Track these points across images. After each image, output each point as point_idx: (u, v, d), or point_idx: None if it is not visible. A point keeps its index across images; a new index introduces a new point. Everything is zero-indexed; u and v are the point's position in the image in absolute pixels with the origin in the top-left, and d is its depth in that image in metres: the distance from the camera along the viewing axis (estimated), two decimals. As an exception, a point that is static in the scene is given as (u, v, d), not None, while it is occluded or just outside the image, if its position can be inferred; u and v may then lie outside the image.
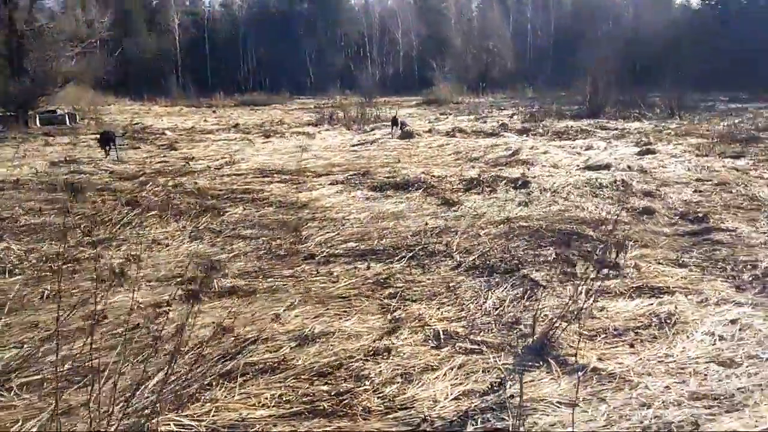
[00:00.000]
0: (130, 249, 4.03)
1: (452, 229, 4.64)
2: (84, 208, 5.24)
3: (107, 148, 9.34)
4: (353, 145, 10.95)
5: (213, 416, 2.03)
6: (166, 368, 2.10)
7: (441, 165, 8.07)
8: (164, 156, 9.47)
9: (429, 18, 50.44)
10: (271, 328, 2.76)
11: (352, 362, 2.42)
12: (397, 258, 3.86)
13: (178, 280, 3.36)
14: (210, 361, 2.41)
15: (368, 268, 3.68)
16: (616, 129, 12.57)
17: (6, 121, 13.80)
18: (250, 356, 2.46)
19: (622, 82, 19.25)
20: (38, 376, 2.31)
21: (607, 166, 7.42)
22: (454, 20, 48.59)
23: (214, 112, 24.80)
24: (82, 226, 4.57)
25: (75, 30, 14.40)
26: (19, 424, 1.98)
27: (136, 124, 16.91)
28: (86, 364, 2.26)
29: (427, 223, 4.89)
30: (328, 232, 4.60)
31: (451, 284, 3.32)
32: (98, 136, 10.11)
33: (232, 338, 2.63)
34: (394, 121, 13.65)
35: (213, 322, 2.79)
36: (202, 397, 2.13)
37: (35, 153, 9.97)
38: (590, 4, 49.69)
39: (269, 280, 3.46)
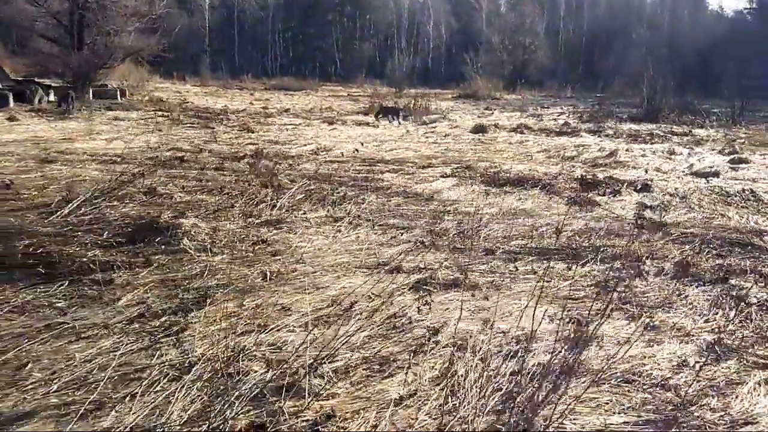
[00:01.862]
0: (306, 232, 3.94)
1: (600, 230, 4.52)
2: (221, 185, 5.15)
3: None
4: (424, 136, 10.81)
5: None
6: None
7: (537, 162, 7.93)
8: (247, 138, 9.37)
9: (459, 11, 49.98)
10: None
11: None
12: (588, 260, 3.71)
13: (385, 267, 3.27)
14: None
15: (569, 268, 3.50)
16: (686, 135, 12.36)
17: (64, 92, 13.72)
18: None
19: (677, 87, 19.03)
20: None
21: (716, 174, 7.26)
22: (485, 15, 48.13)
23: (251, 94, 24.67)
24: (235, 206, 4.48)
25: (136, 5, 14.23)
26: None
27: (186, 103, 16.85)
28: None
29: (563, 223, 4.76)
30: (477, 227, 4.48)
31: (676, 293, 3.18)
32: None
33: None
34: (390, 110, 13.33)
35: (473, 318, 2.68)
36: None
37: (115, 128, 9.88)
38: (625, 5, 49.09)
39: (475, 275, 3.33)
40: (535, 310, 2.12)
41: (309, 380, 2.02)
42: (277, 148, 8.32)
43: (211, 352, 2.25)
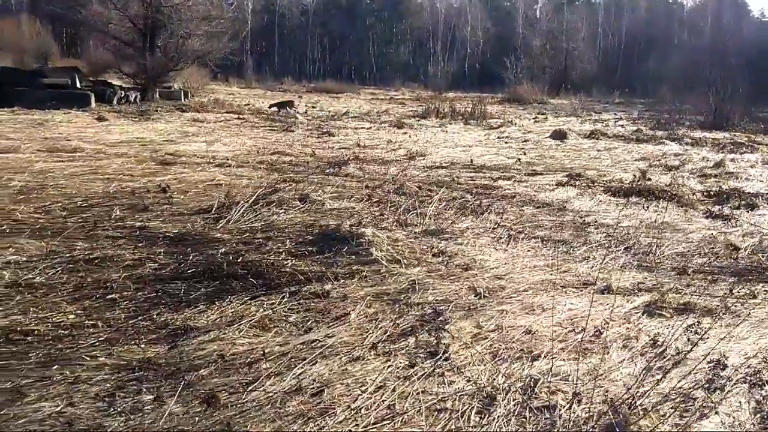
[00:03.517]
0: (476, 244, 3.82)
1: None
2: (366, 193, 5.07)
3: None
4: (502, 141, 10.62)
5: None
6: None
7: (633, 171, 7.67)
8: (332, 142, 9.34)
9: (495, 16, 49.60)
10: None
11: None
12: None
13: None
14: None
15: None
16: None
17: (139, 92, 13.97)
18: None
19: (732, 94, 18.44)
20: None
21: None
22: (523, 20, 47.65)
23: (299, 97, 24.80)
24: (385, 214, 4.39)
25: (207, 9, 14.43)
26: None
27: (246, 104, 17.00)
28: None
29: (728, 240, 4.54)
30: (656, 244, 4.28)
31: None
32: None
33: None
34: (286, 105, 14.11)
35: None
36: None
37: (202, 129, 9.96)
38: (665, 11, 48.05)
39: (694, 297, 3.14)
40: None
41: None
42: (367, 153, 8.25)
43: (496, 381, 2.14)
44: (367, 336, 2.48)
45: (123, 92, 13.48)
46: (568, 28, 36.67)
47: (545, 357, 2.33)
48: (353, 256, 3.39)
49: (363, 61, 47.57)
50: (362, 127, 12.18)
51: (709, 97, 16.62)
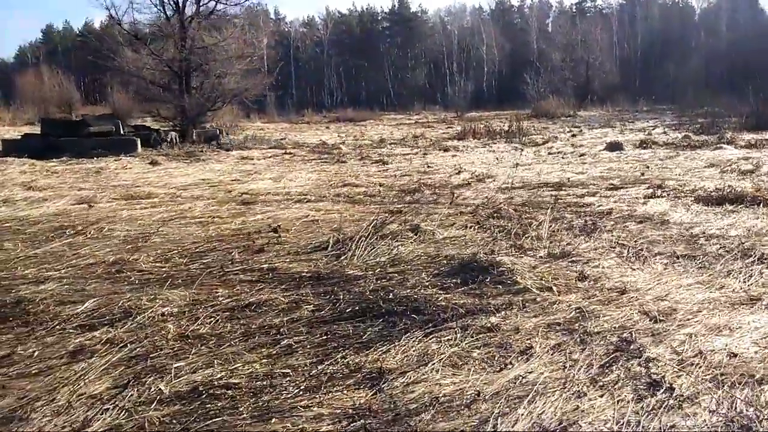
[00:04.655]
0: (616, 266, 3.71)
1: None
2: (454, 220, 5.00)
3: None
4: (556, 157, 10.51)
5: None
6: None
7: (716, 178, 7.49)
8: (389, 170, 9.33)
9: (509, 33, 50.09)
10: None
11: None
12: None
13: None
14: None
15: None
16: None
17: (180, 135, 14.24)
18: None
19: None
20: None
21: None
22: (536, 34, 48.01)
23: (327, 128, 25.09)
24: (498, 240, 4.30)
25: (241, 47, 14.79)
26: None
27: (283, 139, 17.23)
28: None
29: None
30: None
31: None
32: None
33: None
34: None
35: None
36: None
37: (256, 167, 10.06)
38: (679, 14, 48.00)
39: None
40: None
41: None
42: (432, 178, 8.22)
43: (741, 410, 2.01)
44: (569, 370, 2.37)
45: (162, 136, 13.77)
46: (585, 39, 36.73)
47: (770, 381, 2.19)
48: (500, 286, 3.29)
49: (379, 87, 48.22)
50: (407, 153, 12.20)
51: (748, 97, 16.38)
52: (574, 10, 52.03)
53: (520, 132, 15.91)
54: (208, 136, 16.04)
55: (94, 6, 47.92)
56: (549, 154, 11.22)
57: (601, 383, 2.24)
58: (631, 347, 2.55)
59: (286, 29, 50.26)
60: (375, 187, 7.36)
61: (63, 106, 28.18)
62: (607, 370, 2.35)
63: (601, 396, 2.15)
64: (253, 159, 11.28)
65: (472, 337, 2.71)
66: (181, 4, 14.31)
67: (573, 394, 2.17)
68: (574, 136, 15.97)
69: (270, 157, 11.75)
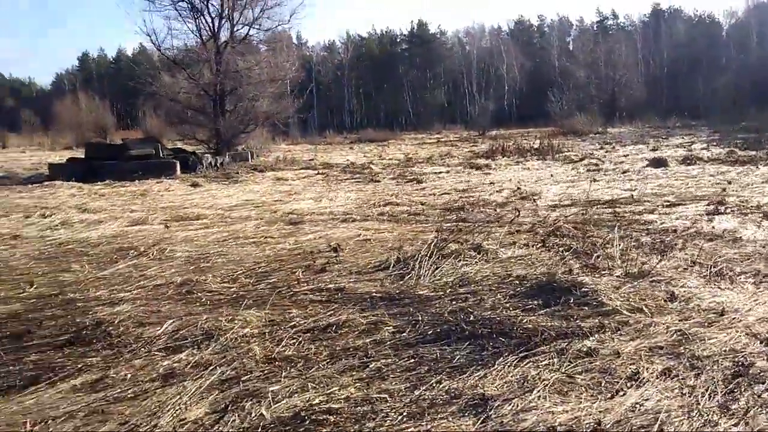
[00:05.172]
0: (699, 287, 3.53)
1: None
2: (514, 239, 4.87)
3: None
4: (598, 175, 10.28)
5: None
6: None
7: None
8: (426, 189, 9.25)
9: (529, 51, 50.09)
10: None
11: None
12: None
13: None
14: None
15: None
16: None
17: (216, 157, 14.43)
18: None
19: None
20: None
21: None
22: (558, 52, 47.92)
23: (351, 148, 25.21)
24: (566, 259, 4.16)
25: (273, 71, 15.04)
26: None
27: (311, 159, 17.33)
28: None
29: None
30: None
31: None
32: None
33: None
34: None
35: None
36: None
37: (294, 188, 10.08)
38: (706, 30, 47.41)
39: None
40: None
41: None
42: (473, 196, 8.11)
43: None
44: (689, 397, 2.21)
45: (199, 159, 13.97)
46: (610, 56, 36.49)
47: None
48: (586, 308, 3.15)
49: (399, 107, 48.48)
50: (439, 171, 12.13)
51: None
52: (596, 28, 51.84)
53: (553, 149, 15.73)
54: (241, 158, 16.26)
55: (137, 33, 49.32)
56: (588, 171, 11.01)
57: (731, 411, 2.08)
58: (750, 372, 2.38)
59: (308, 53, 51.05)
60: (417, 206, 7.28)
61: (98, 130, 28.96)
62: (732, 397, 2.19)
63: (735, 425, 1.99)
64: (287, 180, 11.32)
65: (571, 362, 2.56)
66: (216, 30, 14.65)
67: (703, 423, 2.02)
68: (608, 153, 15.71)
69: (304, 177, 11.80)
